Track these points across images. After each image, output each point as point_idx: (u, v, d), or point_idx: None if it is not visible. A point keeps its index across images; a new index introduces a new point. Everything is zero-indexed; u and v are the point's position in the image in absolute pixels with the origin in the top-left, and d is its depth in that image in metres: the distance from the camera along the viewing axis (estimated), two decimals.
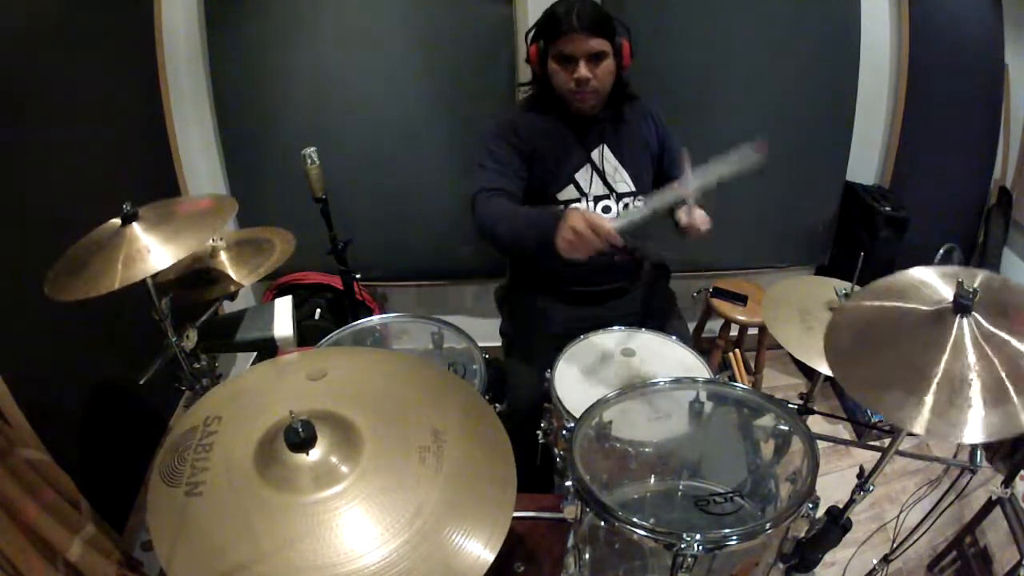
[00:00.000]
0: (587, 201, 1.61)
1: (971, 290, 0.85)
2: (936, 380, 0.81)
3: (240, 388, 1.02)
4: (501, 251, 1.59)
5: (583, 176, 1.59)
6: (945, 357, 0.83)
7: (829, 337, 0.97)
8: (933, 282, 0.94)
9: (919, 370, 0.83)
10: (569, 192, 1.60)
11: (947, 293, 0.89)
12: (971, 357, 0.82)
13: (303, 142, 1.71)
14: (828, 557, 1.13)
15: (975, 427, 0.77)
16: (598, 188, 1.61)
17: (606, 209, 1.62)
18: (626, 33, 1.50)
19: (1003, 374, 0.80)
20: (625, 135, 1.62)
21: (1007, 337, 0.83)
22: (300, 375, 0.99)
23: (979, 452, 1.20)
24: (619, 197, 1.62)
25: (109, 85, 1.79)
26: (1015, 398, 0.78)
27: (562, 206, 1.59)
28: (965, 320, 0.85)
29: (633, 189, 1.63)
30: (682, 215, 1.42)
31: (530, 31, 1.53)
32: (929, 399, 0.80)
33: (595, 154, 1.59)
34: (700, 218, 1.44)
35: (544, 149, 1.57)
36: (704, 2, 2.10)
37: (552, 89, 1.53)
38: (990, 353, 0.82)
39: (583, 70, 1.45)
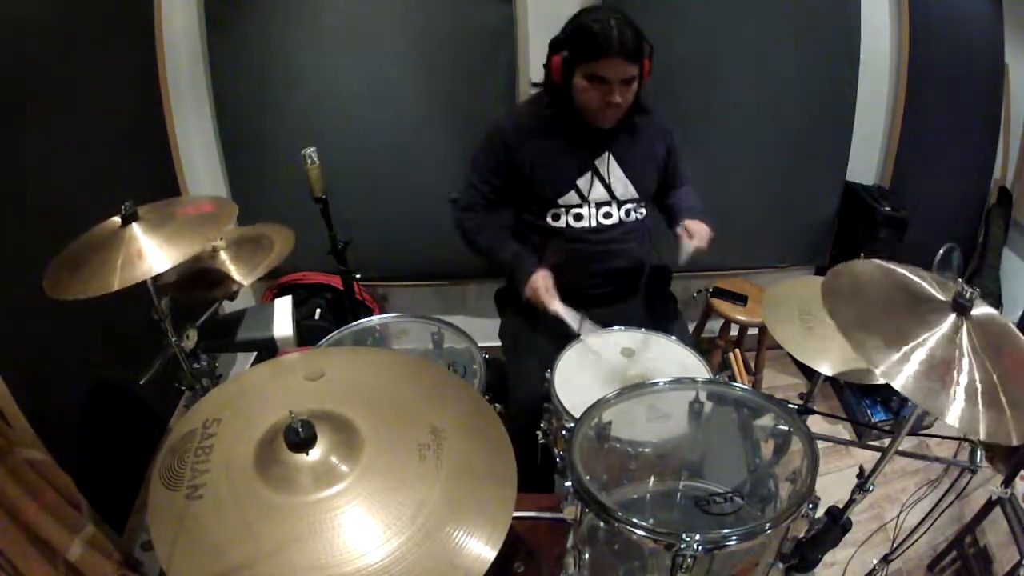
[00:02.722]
0: (588, 206, 1.60)
1: (971, 291, 0.85)
2: (913, 343, 0.86)
3: (240, 388, 1.02)
4: (476, 255, 1.72)
5: (584, 182, 1.59)
6: (930, 334, 0.87)
7: (830, 279, 0.98)
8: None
9: (900, 326, 0.88)
10: (570, 197, 1.60)
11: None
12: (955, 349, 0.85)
13: (303, 142, 1.71)
14: (828, 557, 1.14)
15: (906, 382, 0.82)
16: (600, 194, 1.60)
17: (607, 215, 1.62)
18: (649, 50, 1.46)
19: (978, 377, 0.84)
20: (631, 144, 1.61)
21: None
22: (300, 375, 0.99)
23: (979, 452, 1.19)
24: (620, 204, 1.62)
25: (109, 85, 1.79)
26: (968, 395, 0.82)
27: (562, 210, 1.60)
28: (960, 320, 0.86)
29: (636, 197, 1.63)
30: (683, 233, 1.54)
31: (556, 39, 1.47)
32: (901, 351, 0.85)
33: (599, 161, 1.59)
34: (700, 232, 1.53)
35: (542, 155, 1.57)
36: (704, 2, 2.10)
37: (567, 99, 1.49)
38: (970, 354, 0.85)
39: (617, 96, 1.43)
